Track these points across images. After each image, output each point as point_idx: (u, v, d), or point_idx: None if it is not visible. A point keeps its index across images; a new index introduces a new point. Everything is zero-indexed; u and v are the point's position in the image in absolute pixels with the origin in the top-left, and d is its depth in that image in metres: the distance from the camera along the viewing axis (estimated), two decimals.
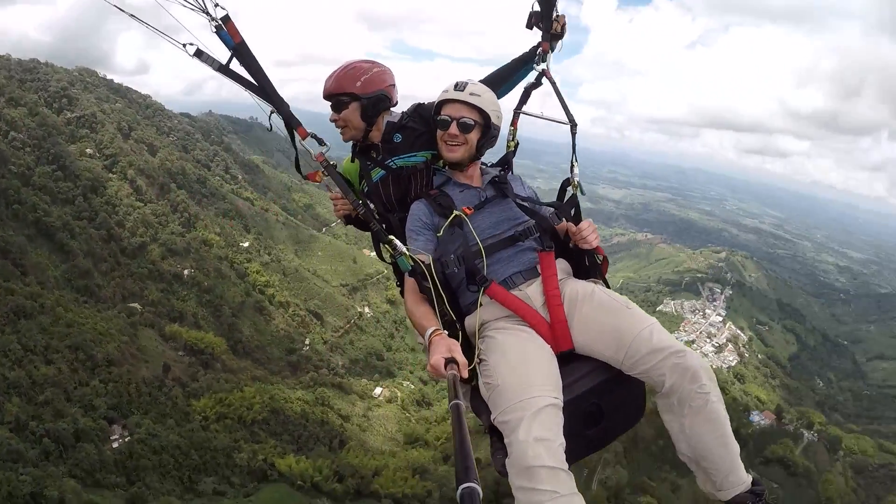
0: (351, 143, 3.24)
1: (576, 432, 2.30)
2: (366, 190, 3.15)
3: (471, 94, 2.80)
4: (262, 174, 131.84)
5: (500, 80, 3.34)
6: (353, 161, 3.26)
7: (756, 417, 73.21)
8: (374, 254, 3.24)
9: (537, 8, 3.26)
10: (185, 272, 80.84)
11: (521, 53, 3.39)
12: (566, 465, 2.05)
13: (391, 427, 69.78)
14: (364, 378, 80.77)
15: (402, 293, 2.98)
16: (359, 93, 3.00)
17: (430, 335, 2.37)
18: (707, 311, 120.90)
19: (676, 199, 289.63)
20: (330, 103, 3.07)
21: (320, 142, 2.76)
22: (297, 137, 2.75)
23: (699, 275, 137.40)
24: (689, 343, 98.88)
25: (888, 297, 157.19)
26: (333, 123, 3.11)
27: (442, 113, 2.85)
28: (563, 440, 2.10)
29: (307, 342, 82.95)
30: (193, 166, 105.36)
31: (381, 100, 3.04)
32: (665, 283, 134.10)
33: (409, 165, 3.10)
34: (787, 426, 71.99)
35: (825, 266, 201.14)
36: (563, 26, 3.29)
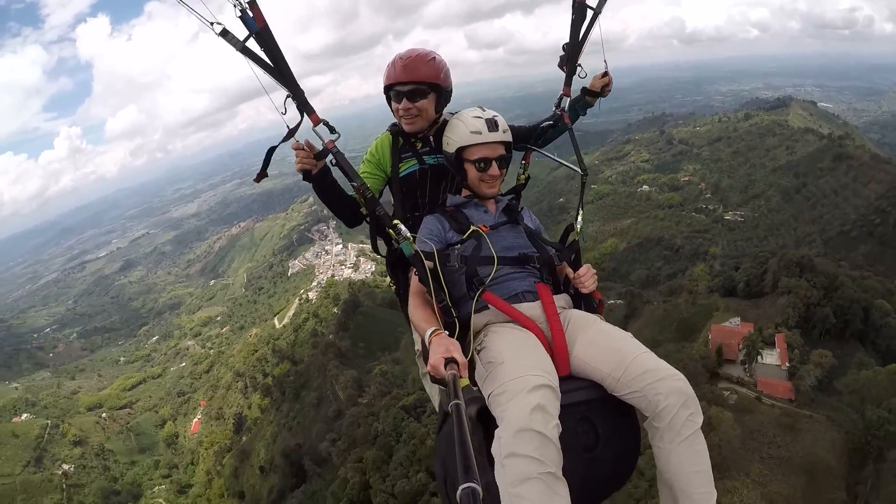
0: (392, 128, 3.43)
1: (573, 450, 2.29)
2: (390, 177, 3.38)
3: (503, 130, 3.06)
4: None
5: (542, 134, 3.66)
6: (393, 141, 3.39)
7: None
8: None
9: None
10: None
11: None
12: (558, 444, 2.08)
13: None
14: None
15: (396, 293, 3.39)
16: (442, 84, 3.25)
17: (430, 335, 2.49)
18: (327, 247, 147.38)
19: (246, 178, 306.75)
20: (401, 90, 3.21)
21: (332, 129, 2.86)
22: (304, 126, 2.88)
23: (302, 226, 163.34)
24: (330, 277, 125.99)
25: None
26: (403, 112, 3.25)
27: (475, 155, 3.04)
28: (559, 423, 2.13)
29: None
30: None
31: (449, 95, 3.36)
32: (281, 251, 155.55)
33: (441, 165, 3.33)
34: None
35: None
36: (606, 84, 3.56)
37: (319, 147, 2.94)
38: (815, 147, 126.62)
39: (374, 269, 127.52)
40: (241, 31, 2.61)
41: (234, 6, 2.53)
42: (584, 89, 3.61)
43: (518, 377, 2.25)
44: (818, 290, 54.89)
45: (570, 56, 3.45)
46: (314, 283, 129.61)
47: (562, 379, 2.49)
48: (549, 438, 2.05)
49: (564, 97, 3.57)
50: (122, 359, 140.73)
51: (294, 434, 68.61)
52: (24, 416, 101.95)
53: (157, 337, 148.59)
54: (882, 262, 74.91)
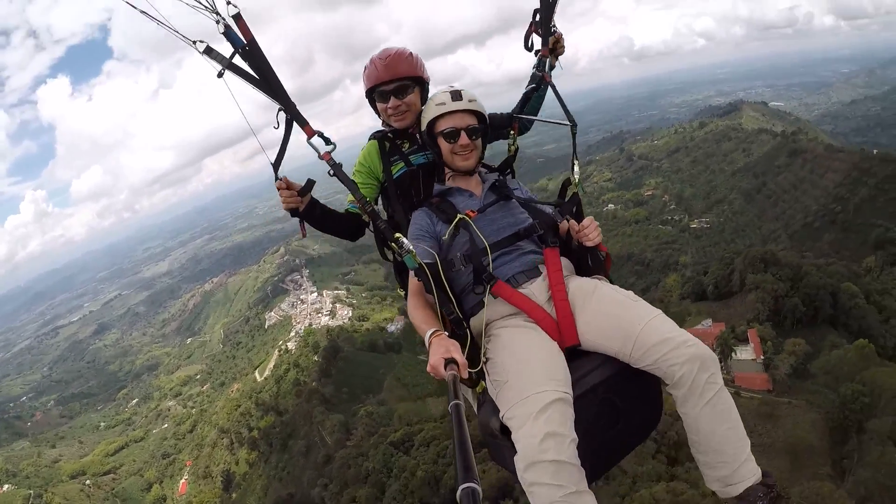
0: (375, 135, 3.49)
1: (594, 432, 2.37)
2: (384, 183, 3.38)
3: (469, 100, 3.06)
4: None
5: (525, 101, 3.61)
6: (380, 147, 3.40)
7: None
8: None
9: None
10: None
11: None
12: (577, 461, 2.12)
13: None
14: None
15: (405, 297, 3.22)
16: (424, 77, 3.36)
17: (430, 336, 2.48)
18: (302, 296, 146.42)
19: (215, 234, 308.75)
20: (386, 89, 3.29)
21: (327, 141, 2.80)
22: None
23: (275, 277, 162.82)
24: (308, 326, 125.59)
25: None
26: (392, 110, 3.33)
27: (443, 126, 3.06)
28: (574, 436, 2.16)
29: None
30: None
31: (428, 87, 3.45)
32: (257, 304, 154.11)
33: (429, 162, 3.33)
34: None
35: None
36: (557, 41, 3.51)
37: (313, 167, 2.89)
38: (770, 146, 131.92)
39: (350, 314, 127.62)
40: (225, 48, 2.50)
41: (217, 23, 2.42)
42: (538, 51, 3.56)
43: (524, 398, 2.25)
44: (784, 282, 56.40)
45: (545, 17, 3.46)
46: (292, 333, 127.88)
47: (575, 356, 2.58)
48: (565, 462, 2.09)
49: (543, 58, 3.53)
50: (102, 424, 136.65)
51: (285, 484, 67.61)
52: (6, 487, 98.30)
53: (136, 400, 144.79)
54: (846, 247, 77.74)
